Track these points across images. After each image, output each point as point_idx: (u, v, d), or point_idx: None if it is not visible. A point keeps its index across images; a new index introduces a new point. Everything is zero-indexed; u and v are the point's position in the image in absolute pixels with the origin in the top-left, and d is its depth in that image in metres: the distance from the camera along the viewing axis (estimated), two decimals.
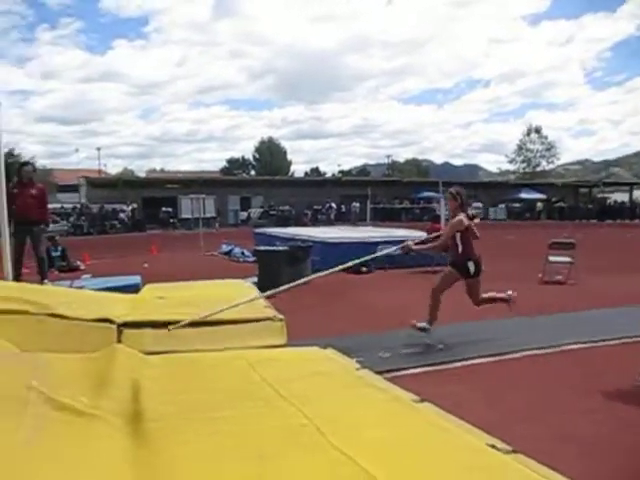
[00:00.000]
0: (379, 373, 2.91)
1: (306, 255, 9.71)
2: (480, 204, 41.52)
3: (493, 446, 1.77)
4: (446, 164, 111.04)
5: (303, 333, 4.52)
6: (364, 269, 10.73)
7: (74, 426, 1.86)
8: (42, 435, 1.74)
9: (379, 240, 12.43)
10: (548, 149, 59.29)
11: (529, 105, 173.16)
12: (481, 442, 1.81)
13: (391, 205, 38.49)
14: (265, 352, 3.25)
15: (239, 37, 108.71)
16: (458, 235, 5.28)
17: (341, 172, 62.81)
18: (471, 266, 5.23)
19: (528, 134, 59.74)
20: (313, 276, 5.09)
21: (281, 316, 3.97)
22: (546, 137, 59.90)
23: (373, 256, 5.31)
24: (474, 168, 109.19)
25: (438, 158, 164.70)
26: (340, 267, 4.70)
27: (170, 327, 3.47)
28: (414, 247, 5.56)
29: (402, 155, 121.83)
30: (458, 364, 4.68)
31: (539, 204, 42.70)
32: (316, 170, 70.95)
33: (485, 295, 5.47)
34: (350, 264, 5.10)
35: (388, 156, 67.82)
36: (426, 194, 38.00)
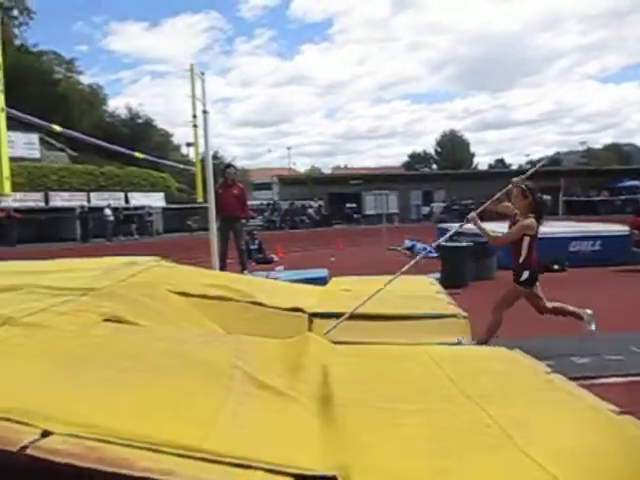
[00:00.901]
0: (573, 379, 2.73)
1: (491, 251, 9.35)
2: None
3: None
4: None
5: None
6: (556, 267, 10.00)
7: (273, 404, 2.06)
8: (246, 409, 1.96)
9: (571, 236, 11.48)
10: None
11: None
12: None
13: (587, 197, 35.10)
14: (449, 349, 3.24)
15: (418, 29, 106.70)
16: (527, 240, 4.57)
17: (529, 163, 58.91)
18: (525, 274, 4.58)
19: None
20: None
21: (465, 313, 3.92)
22: None
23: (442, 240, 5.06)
24: None
25: None
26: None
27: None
28: (476, 223, 4.72)
29: (599, 140, 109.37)
30: None
31: None
32: (501, 162, 67.43)
33: (556, 304, 4.77)
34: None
35: (582, 142, 61.59)
36: (629, 183, 34.02)
